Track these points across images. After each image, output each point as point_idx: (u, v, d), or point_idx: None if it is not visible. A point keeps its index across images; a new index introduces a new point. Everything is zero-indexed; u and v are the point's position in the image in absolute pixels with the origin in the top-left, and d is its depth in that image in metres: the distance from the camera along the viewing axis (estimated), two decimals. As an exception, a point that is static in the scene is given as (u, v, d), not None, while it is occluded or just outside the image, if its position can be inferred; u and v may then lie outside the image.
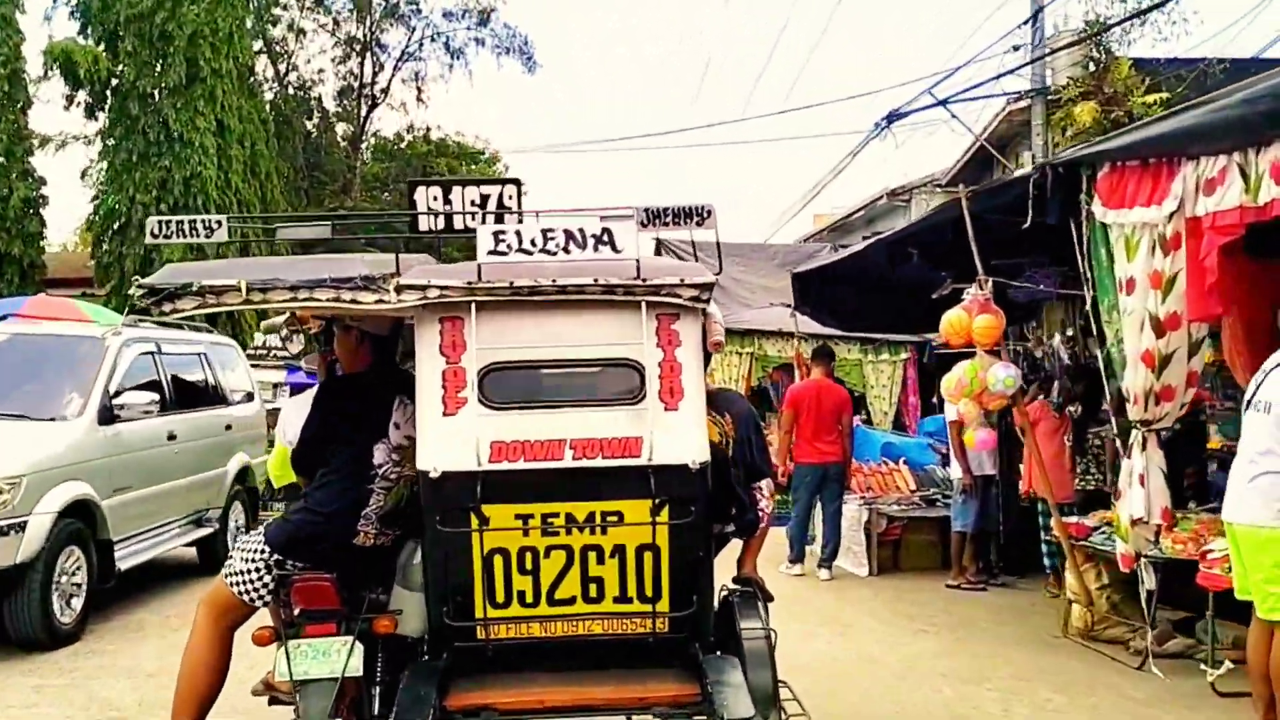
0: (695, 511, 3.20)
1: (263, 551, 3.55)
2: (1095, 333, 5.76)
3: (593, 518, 3.18)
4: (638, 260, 3.11)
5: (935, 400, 11.98)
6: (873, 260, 8.13)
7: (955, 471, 8.22)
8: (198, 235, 3.08)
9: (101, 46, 21.95)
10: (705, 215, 3.28)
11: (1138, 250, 5.01)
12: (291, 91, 31.26)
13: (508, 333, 3.15)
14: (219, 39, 22.21)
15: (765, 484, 3.95)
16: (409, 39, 31.57)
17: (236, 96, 23.30)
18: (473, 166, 36.41)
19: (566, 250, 3.10)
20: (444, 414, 3.10)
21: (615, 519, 3.19)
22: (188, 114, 21.66)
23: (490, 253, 3.08)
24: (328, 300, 3.04)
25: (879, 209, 20.16)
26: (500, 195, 3.52)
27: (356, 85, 31.73)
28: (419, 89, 32.56)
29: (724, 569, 3.88)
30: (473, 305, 3.08)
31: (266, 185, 25.30)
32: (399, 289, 3.03)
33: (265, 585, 3.57)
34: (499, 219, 3.33)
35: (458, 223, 3.50)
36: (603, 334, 3.18)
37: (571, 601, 3.25)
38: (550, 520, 3.17)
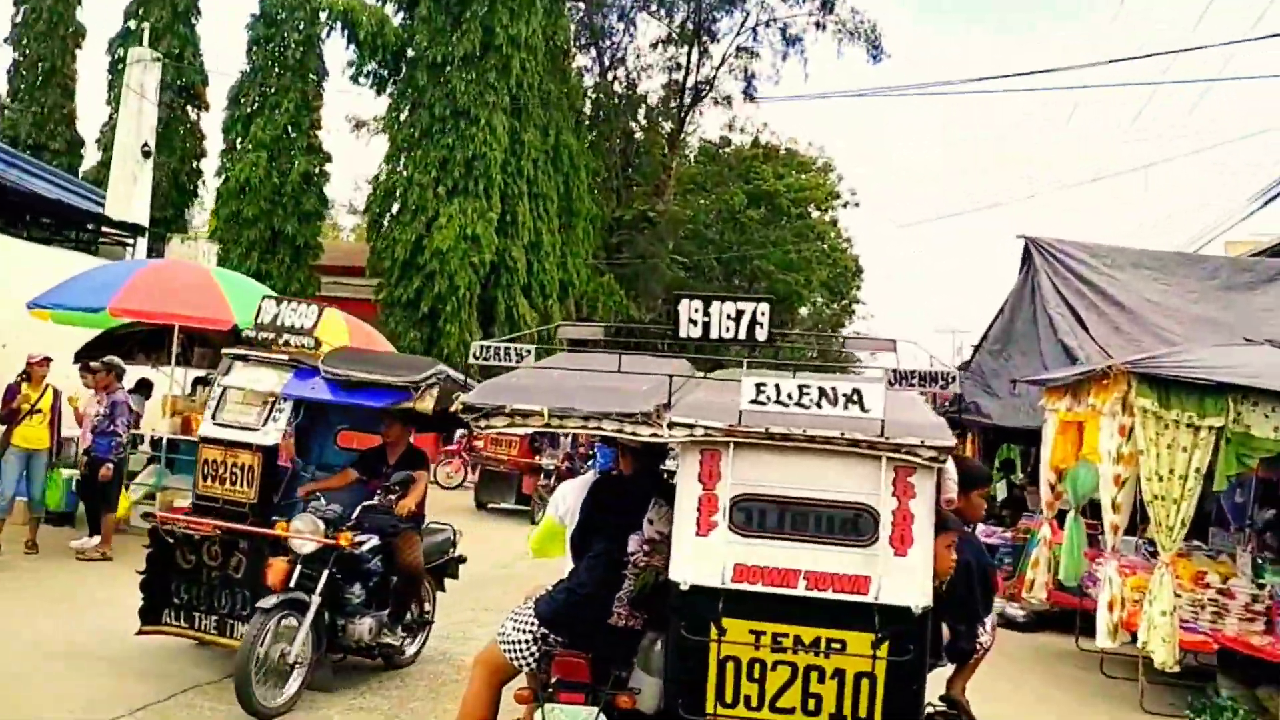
0: (914, 650, 4.47)
1: (533, 624, 5.21)
2: None
3: (818, 642, 4.49)
4: (883, 421, 4.41)
5: None
6: None
7: None
8: (512, 360, 4.77)
9: (399, 14, 25.57)
10: (949, 380, 4.53)
11: None
12: (618, 88, 34.67)
13: (759, 469, 4.51)
14: (519, 3, 24.96)
15: (989, 620, 5.15)
16: (741, 24, 34.09)
17: (541, 75, 26.13)
18: (801, 176, 38.72)
19: (819, 405, 4.46)
20: (697, 533, 4.53)
21: (839, 646, 4.49)
22: (477, 87, 24.51)
23: (751, 402, 4.49)
24: (612, 429, 4.57)
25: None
26: (754, 312, 4.94)
27: (681, 76, 34.58)
28: (748, 81, 34.98)
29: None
30: (731, 444, 4.51)
31: (572, 179, 28.22)
32: (670, 425, 4.51)
33: (533, 654, 5.21)
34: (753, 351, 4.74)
35: (713, 333, 4.95)
36: (844, 481, 4.48)
37: (791, 711, 4.56)
38: (780, 639, 4.51)
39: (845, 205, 43.13)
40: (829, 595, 4.44)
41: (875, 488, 4.43)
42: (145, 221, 19.84)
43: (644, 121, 36.29)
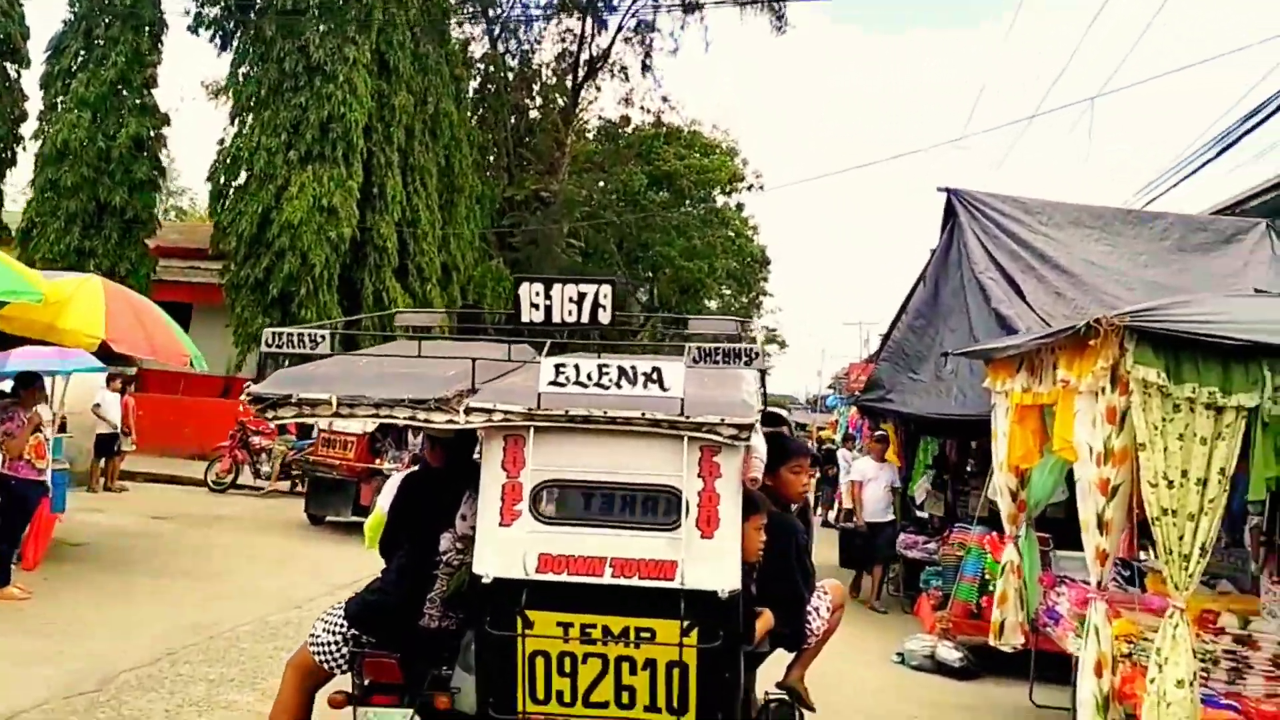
0: (724, 637, 4.79)
1: (342, 625, 5.45)
2: None
3: (627, 632, 4.79)
4: (682, 399, 4.72)
5: None
6: None
7: None
8: (305, 347, 4.98)
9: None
10: (753, 356, 4.87)
11: None
12: (510, 61, 34.88)
13: (562, 454, 4.79)
14: (381, -51, 24.74)
15: (821, 603, 5.56)
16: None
17: (414, 34, 25.92)
18: (704, 159, 39.41)
19: (619, 385, 4.75)
20: (500, 524, 4.79)
21: (648, 635, 4.79)
22: (334, 40, 24.25)
23: (550, 383, 4.76)
24: (405, 417, 4.79)
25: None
26: (596, 294, 5.23)
27: (576, 47, 34.89)
28: (646, 52, 35.60)
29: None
30: (531, 428, 4.79)
31: (454, 153, 28.07)
32: (467, 411, 4.77)
33: (343, 655, 5.46)
34: (562, 348, 5.04)
35: (555, 317, 5.23)
36: (647, 462, 4.77)
37: (605, 705, 4.87)
38: (588, 630, 4.80)
39: (750, 188, 43.99)
40: (635, 582, 4.74)
41: (678, 468, 4.74)
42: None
43: (538, 97, 36.58)
